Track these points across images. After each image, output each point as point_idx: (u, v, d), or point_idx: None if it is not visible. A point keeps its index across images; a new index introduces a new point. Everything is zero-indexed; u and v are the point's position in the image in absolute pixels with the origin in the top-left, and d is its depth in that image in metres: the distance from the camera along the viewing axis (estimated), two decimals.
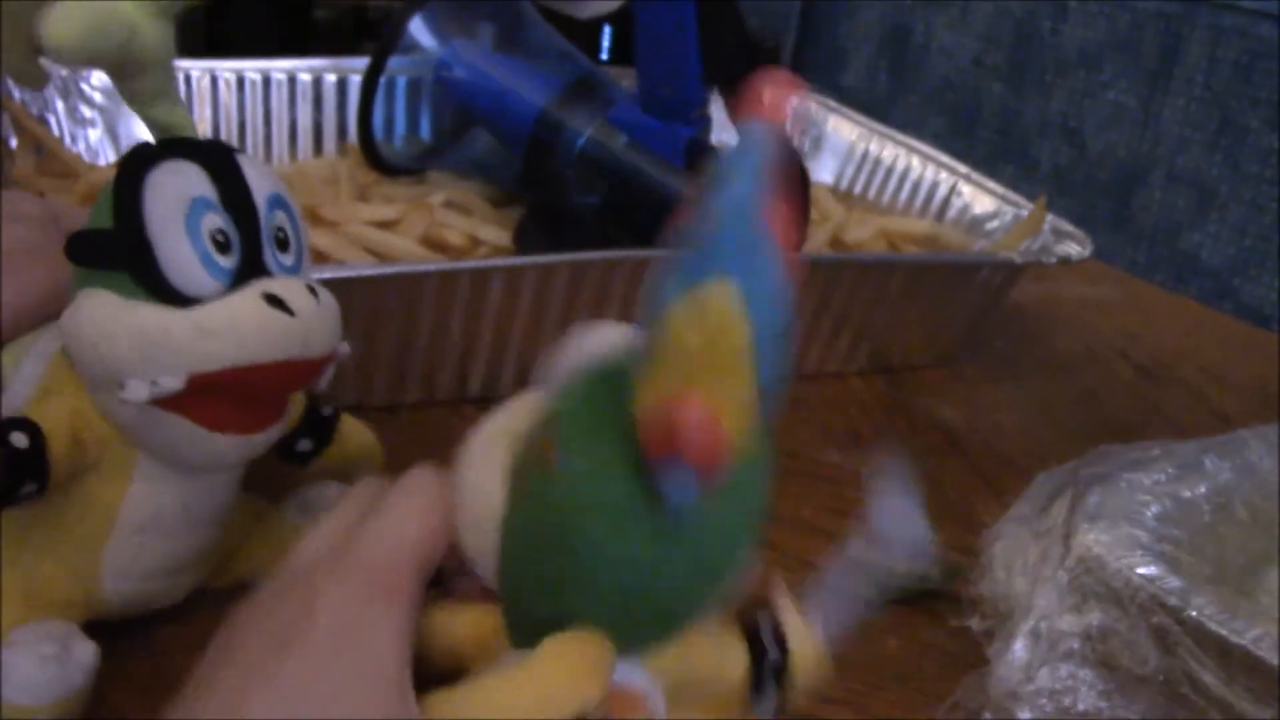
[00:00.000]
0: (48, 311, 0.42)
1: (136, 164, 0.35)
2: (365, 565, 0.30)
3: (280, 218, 0.38)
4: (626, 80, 0.70)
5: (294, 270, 0.38)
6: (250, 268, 0.36)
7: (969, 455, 0.63)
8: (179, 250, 0.35)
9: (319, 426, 0.43)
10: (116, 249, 0.35)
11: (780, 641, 0.33)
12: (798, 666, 0.33)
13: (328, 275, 0.54)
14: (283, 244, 0.38)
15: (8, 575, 0.38)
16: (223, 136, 0.74)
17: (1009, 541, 0.47)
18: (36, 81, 0.46)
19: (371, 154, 0.72)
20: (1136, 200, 1.85)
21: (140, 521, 0.38)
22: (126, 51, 0.35)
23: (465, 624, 0.31)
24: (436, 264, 0.59)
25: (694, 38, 0.66)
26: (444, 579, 0.32)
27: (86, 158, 0.69)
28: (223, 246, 0.36)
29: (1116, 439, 0.53)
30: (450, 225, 0.66)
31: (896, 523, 0.35)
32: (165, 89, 0.37)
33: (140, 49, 0.35)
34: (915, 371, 0.71)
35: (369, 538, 0.31)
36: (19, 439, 0.35)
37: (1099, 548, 0.41)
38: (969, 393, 0.70)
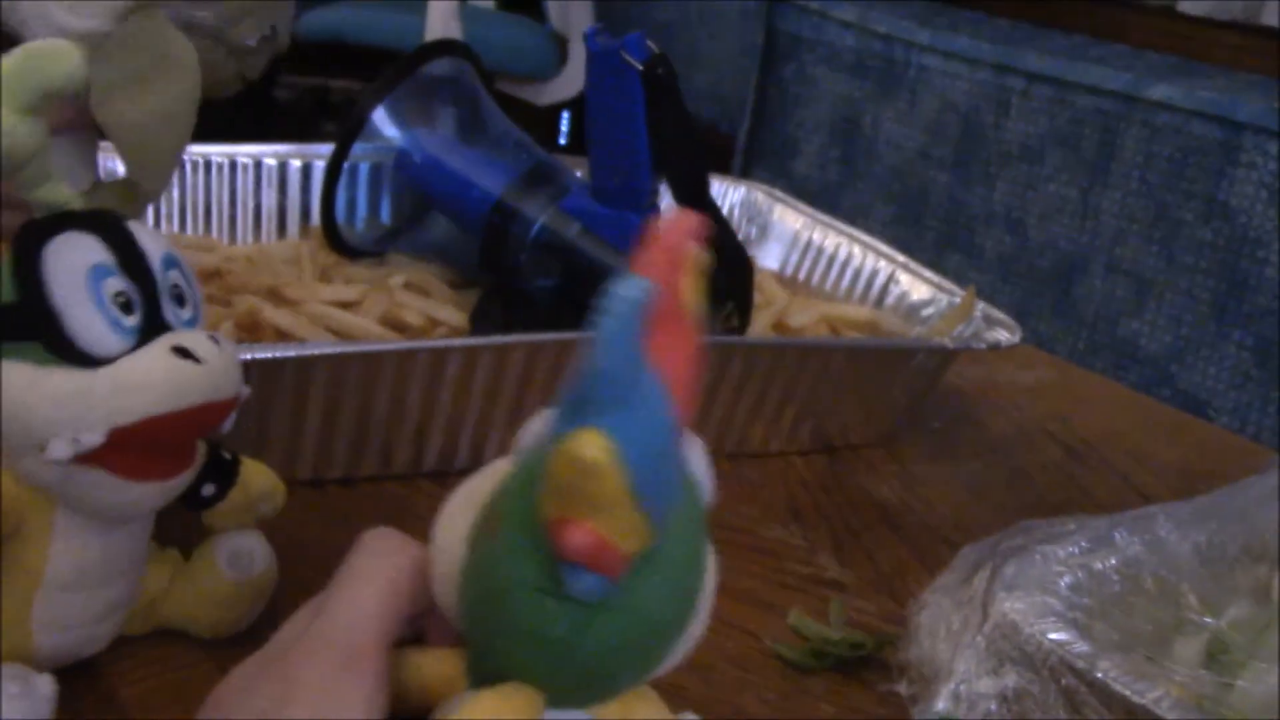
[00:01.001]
0: None
1: (32, 238, 0.38)
2: (331, 640, 0.33)
3: (175, 275, 0.41)
4: (583, 168, 0.73)
5: (192, 323, 0.41)
6: (152, 325, 0.39)
7: (902, 530, 0.66)
8: (86, 316, 0.37)
9: (221, 470, 0.46)
10: (26, 320, 0.37)
11: None
12: None
13: (291, 354, 0.56)
14: (180, 300, 0.41)
15: None
16: (189, 217, 0.77)
17: (934, 610, 0.49)
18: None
19: (333, 236, 0.75)
20: (1077, 288, 1.91)
21: (64, 577, 0.41)
22: (8, 158, 0.37)
23: (433, 665, 0.34)
24: (395, 343, 0.62)
25: (643, 129, 0.70)
26: (419, 622, 0.35)
27: None
28: (126, 307, 0.38)
29: (1042, 516, 0.56)
30: (409, 306, 0.69)
31: None
32: (46, 173, 0.38)
33: (14, 149, 0.37)
34: (855, 450, 0.74)
35: (334, 611, 0.33)
36: None
37: (1014, 614, 0.43)
38: (905, 471, 0.73)
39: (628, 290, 0.26)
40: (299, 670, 0.32)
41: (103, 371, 0.37)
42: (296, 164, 0.79)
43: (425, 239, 0.78)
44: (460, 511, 0.33)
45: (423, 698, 0.33)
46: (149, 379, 0.38)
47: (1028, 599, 0.44)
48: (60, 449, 0.37)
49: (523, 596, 0.30)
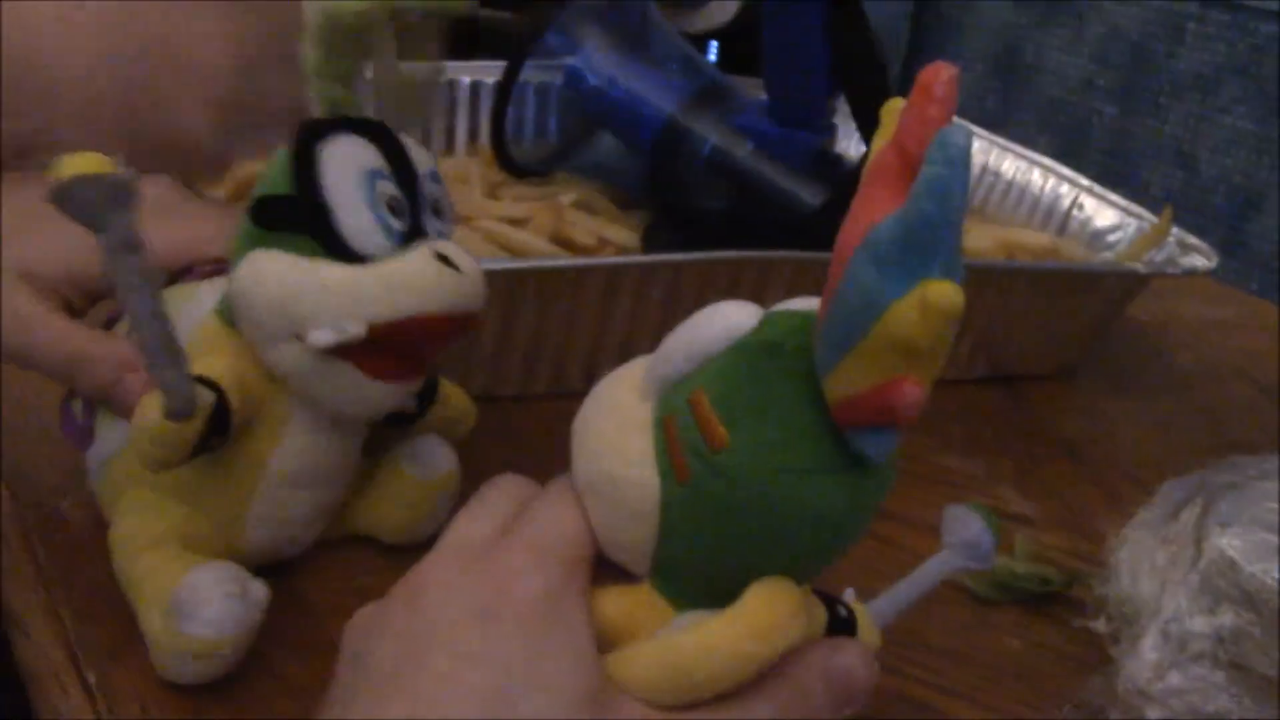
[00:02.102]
0: (173, 269, 0.45)
1: (310, 136, 0.38)
2: (554, 549, 0.32)
3: (437, 189, 0.41)
4: (750, 90, 0.71)
5: (447, 235, 0.42)
6: (415, 231, 0.40)
7: (1088, 465, 0.63)
8: (359, 214, 0.38)
9: (424, 388, 0.46)
10: (302, 212, 0.38)
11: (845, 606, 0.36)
12: (861, 624, 0.36)
13: None
14: (438, 213, 0.41)
15: (163, 526, 0.41)
16: None
17: (1135, 547, 0.47)
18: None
19: (503, 155, 0.74)
20: (1252, 226, 1.81)
21: (287, 475, 0.42)
22: (356, 25, 0.38)
23: (612, 604, 0.33)
24: (570, 260, 0.61)
25: (822, 47, 0.68)
26: None
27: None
28: (395, 212, 0.39)
29: (1237, 454, 0.53)
30: (578, 224, 0.68)
31: (962, 527, 0.37)
32: (351, 74, 0.39)
33: (341, 15, 0.39)
34: (1033, 381, 0.71)
35: (550, 525, 0.33)
36: (206, 394, 0.37)
37: (1232, 551, 0.41)
38: (1087, 404, 0.70)
39: (958, 137, 0.25)
40: (516, 577, 0.31)
41: (373, 268, 0.38)
42: (465, 81, 0.79)
43: (593, 158, 0.77)
44: (627, 442, 0.32)
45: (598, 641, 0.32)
46: (416, 280, 0.38)
47: (1246, 536, 0.42)
48: (324, 335, 0.37)
49: (793, 485, 0.29)
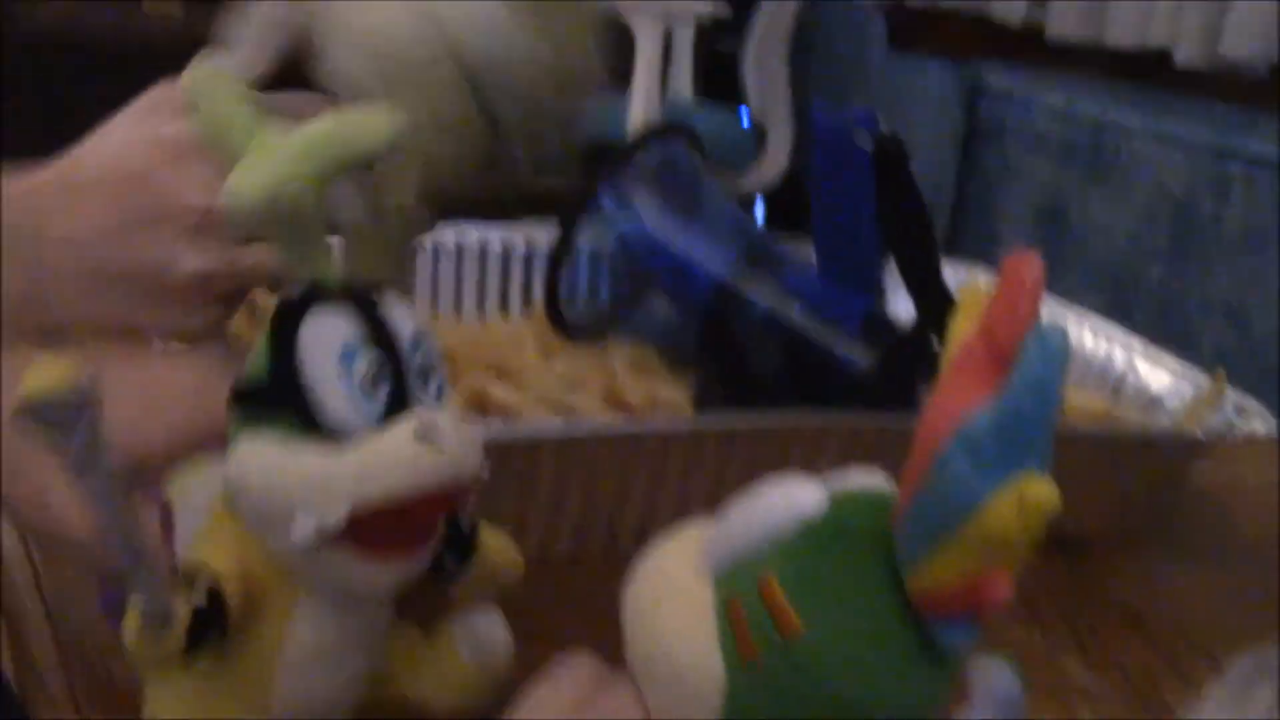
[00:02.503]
0: (204, 448, 0.44)
1: (289, 314, 0.38)
2: None
3: (423, 353, 0.40)
4: (798, 249, 0.72)
5: (437, 401, 0.41)
6: (399, 402, 0.39)
7: (1151, 636, 0.61)
8: (336, 393, 0.38)
9: (461, 542, 0.45)
10: (278, 395, 0.38)
11: None
12: None
13: (521, 433, 0.56)
14: (426, 378, 0.40)
15: (194, 710, 0.40)
16: (416, 298, 0.78)
17: None
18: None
19: (556, 317, 0.75)
20: None
21: (305, 654, 0.40)
22: (294, 215, 0.38)
23: None
24: (622, 423, 0.62)
25: (871, 208, 0.69)
26: None
27: None
28: (374, 385, 0.38)
29: None
30: (631, 385, 0.68)
31: (992, 680, 0.36)
32: (318, 240, 0.39)
33: (302, 209, 0.38)
34: (1093, 548, 0.69)
35: (614, 712, 0.33)
36: (200, 589, 0.37)
37: None
38: (1149, 572, 0.68)
39: (1056, 337, 0.25)
40: None
41: (348, 452, 0.37)
42: (521, 247, 0.80)
43: (645, 320, 0.78)
44: (692, 623, 0.32)
45: None
46: (394, 461, 0.38)
47: None
48: (304, 528, 0.37)
49: (871, 674, 0.29)
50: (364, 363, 0.38)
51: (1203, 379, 0.73)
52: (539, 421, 0.63)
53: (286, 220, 0.38)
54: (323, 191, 0.38)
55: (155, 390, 0.46)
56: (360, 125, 0.38)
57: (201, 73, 0.37)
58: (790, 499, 0.32)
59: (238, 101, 0.37)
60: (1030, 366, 0.25)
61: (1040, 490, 0.25)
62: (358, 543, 0.38)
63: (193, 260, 0.46)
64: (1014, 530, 0.26)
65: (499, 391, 0.65)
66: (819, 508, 0.32)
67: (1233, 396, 0.71)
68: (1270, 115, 2.02)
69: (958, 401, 0.27)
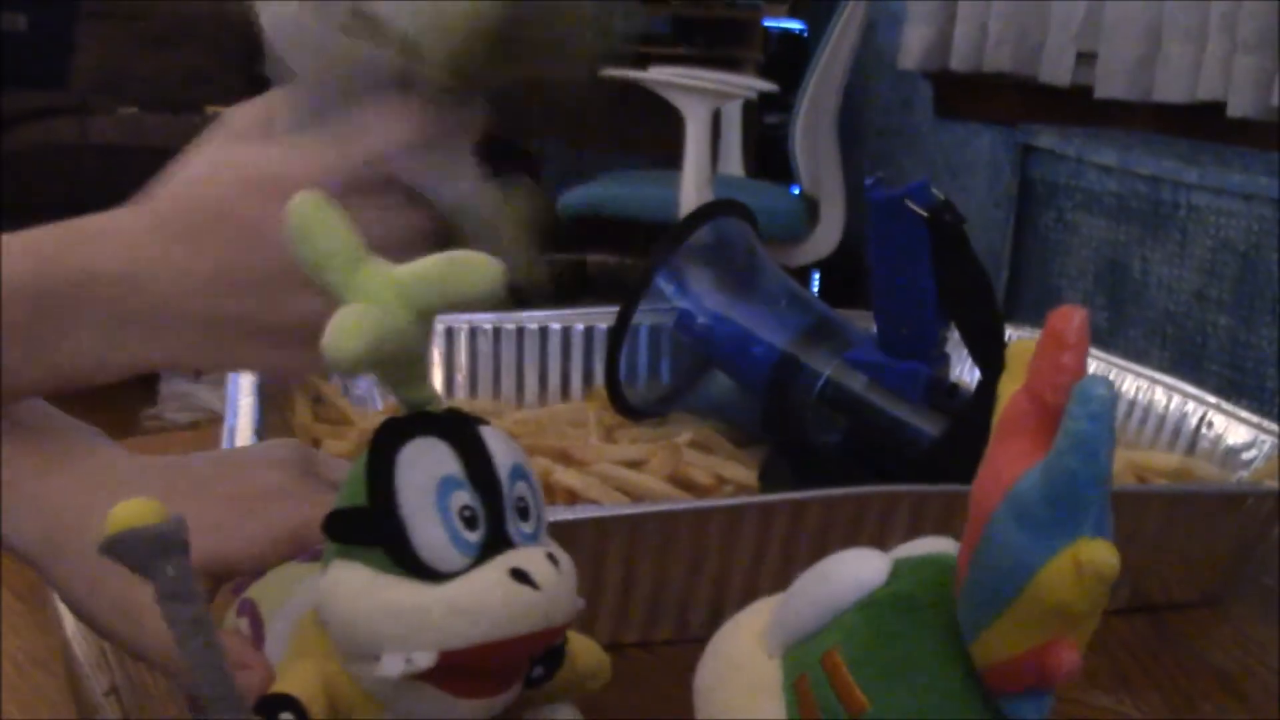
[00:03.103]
0: (290, 553, 0.45)
1: (388, 442, 0.38)
2: None
3: (521, 488, 0.39)
4: (857, 321, 0.72)
5: (534, 538, 0.39)
6: (495, 539, 0.38)
7: (1247, 700, 0.59)
8: (431, 530, 0.37)
9: (550, 651, 0.44)
10: (373, 528, 0.37)
11: None
12: None
13: (588, 515, 0.56)
14: (524, 513, 0.39)
15: None
16: (479, 383, 0.79)
17: None
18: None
19: (618, 398, 0.75)
20: None
21: None
22: (396, 355, 0.37)
23: None
24: (691, 502, 0.61)
25: (929, 277, 0.68)
26: None
27: (357, 405, 0.74)
28: (470, 523, 0.37)
29: None
30: (696, 464, 0.68)
31: None
32: (420, 371, 0.39)
33: (404, 348, 0.37)
34: (1179, 610, 0.67)
35: None
36: (287, 719, 0.37)
37: None
38: (1240, 633, 0.66)
39: (1100, 389, 0.25)
40: None
41: (440, 591, 0.37)
42: (580, 328, 0.81)
43: (706, 397, 0.77)
44: (761, 705, 0.31)
45: None
46: (485, 605, 0.37)
47: None
48: (393, 666, 0.36)
49: None
50: (462, 498, 0.38)
51: None
52: (606, 504, 0.63)
53: (387, 361, 0.38)
54: (425, 329, 0.38)
55: (243, 495, 0.46)
56: (468, 268, 0.38)
57: (304, 202, 0.37)
58: (853, 571, 0.32)
59: (340, 234, 0.37)
60: (1076, 423, 0.25)
61: (1097, 553, 0.25)
62: (445, 683, 0.37)
63: (303, 305, 0.45)
64: (1072, 596, 0.25)
65: (562, 475, 0.65)
66: (881, 579, 0.31)
67: None
68: None
69: (1007, 464, 0.27)
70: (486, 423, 0.40)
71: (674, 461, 0.68)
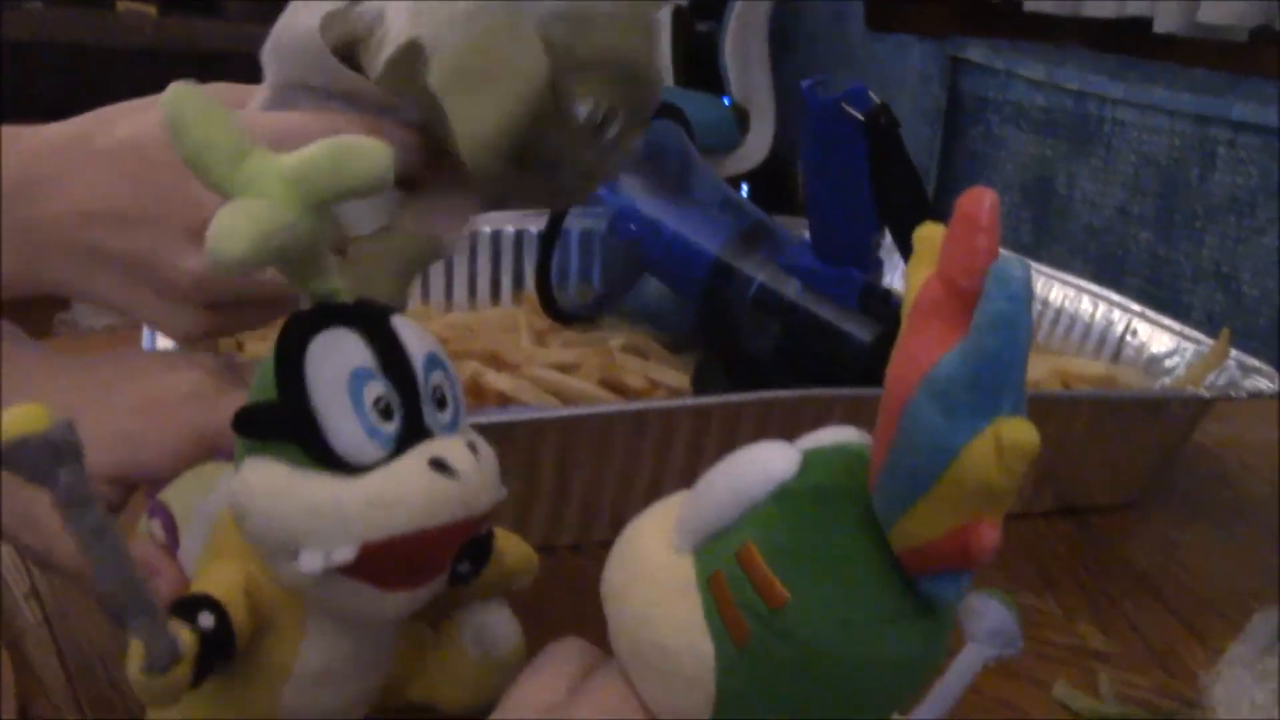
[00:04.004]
0: (204, 457, 0.43)
1: (296, 335, 0.36)
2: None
3: (437, 377, 0.38)
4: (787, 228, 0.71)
5: (453, 427, 0.38)
6: (412, 430, 0.36)
7: (1166, 598, 0.61)
8: (344, 422, 0.35)
9: (476, 547, 0.43)
10: (284, 423, 0.35)
11: None
12: None
13: (523, 417, 0.55)
14: (441, 402, 0.38)
15: None
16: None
17: (1231, 684, 0.45)
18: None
19: (548, 302, 0.75)
20: None
21: (314, 674, 0.39)
22: (287, 251, 0.35)
23: None
24: (627, 405, 0.61)
25: (865, 182, 0.68)
26: None
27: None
28: (385, 414, 0.36)
29: None
30: (628, 368, 0.67)
31: (985, 616, 0.35)
32: (321, 263, 0.37)
33: (299, 242, 0.35)
34: (1101, 513, 0.69)
35: (607, 697, 0.33)
36: (206, 619, 0.36)
37: None
38: (1159, 535, 0.68)
39: (1017, 269, 0.24)
40: None
41: (358, 483, 0.35)
42: (510, 231, 0.79)
43: (639, 302, 0.77)
44: (674, 607, 0.31)
45: None
46: (404, 495, 0.35)
47: None
48: (312, 562, 0.35)
49: (864, 636, 0.28)
50: (376, 389, 0.36)
51: (1205, 340, 0.73)
52: (540, 406, 0.62)
53: (279, 259, 0.36)
54: (322, 219, 0.36)
55: (153, 399, 0.45)
56: (354, 153, 0.36)
57: (180, 93, 0.34)
58: (762, 463, 0.31)
59: (220, 125, 0.35)
60: (994, 304, 0.24)
61: (1018, 431, 0.24)
62: (368, 576, 0.36)
63: (194, 261, 0.44)
64: (994, 475, 0.25)
65: (494, 379, 0.64)
66: (791, 470, 0.31)
67: (1236, 355, 0.70)
68: (1251, 79, 2.02)
69: (922, 349, 0.26)
70: (398, 312, 0.38)
71: (605, 365, 0.67)
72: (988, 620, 0.33)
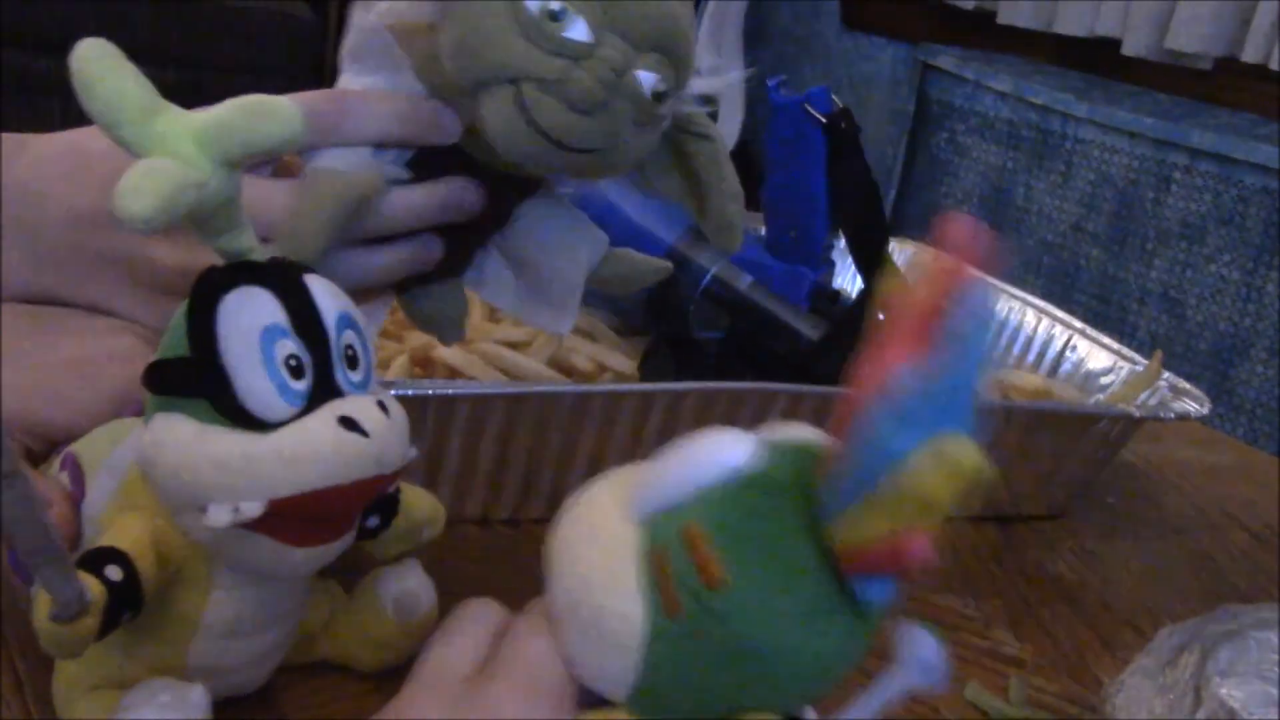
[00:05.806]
0: (122, 414, 0.44)
1: (208, 291, 0.36)
2: (541, 685, 0.33)
3: (349, 336, 0.38)
4: (751, 221, 0.72)
5: (363, 387, 0.39)
6: (322, 389, 0.37)
7: (1082, 609, 0.63)
8: (255, 379, 0.36)
9: (384, 502, 0.44)
10: (194, 379, 0.36)
11: None
12: None
13: (468, 391, 0.56)
14: (352, 361, 0.38)
15: (100, 674, 0.39)
16: None
17: (1132, 693, 0.46)
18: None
19: None
20: (1238, 373, 1.83)
21: (222, 626, 0.40)
22: (197, 210, 0.35)
23: None
24: (571, 386, 0.62)
25: (823, 183, 0.69)
26: None
27: None
28: (296, 371, 0.36)
29: (1233, 602, 0.53)
30: (578, 350, 0.68)
31: (917, 646, 0.36)
32: (234, 221, 0.37)
33: (209, 200, 0.35)
34: (1027, 522, 0.71)
35: (535, 660, 0.33)
36: (113, 571, 0.36)
37: (1232, 701, 0.41)
38: (1081, 547, 0.69)
39: (983, 296, 0.26)
40: (509, 706, 0.31)
41: (266, 439, 0.36)
42: None
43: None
44: (616, 571, 0.32)
45: None
46: (313, 452, 0.36)
47: (1245, 686, 0.41)
48: (220, 516, 0.35)
49: (791, 627, 0.29)
50: (287, 346, 0.36)
51: (1142, 360, 0.75)
52: (487, 381, 0.63)
53: (189, 218, 0.36)
54: (233, 177, 0.36)
55: (85, 358, 0.45)
56: (264, 112, 0.36)
57: (89, 49, 0.34)
58: (719, 449, 0.33)
59: (129, 83, 0.34)
60: (958, 326, 0.26)
61: (962, 449, 0.26)
62: (274, 531, 0.37)
63: (163, 250, 0.45)
64: (934, 489, 0.26)
65: (444, 352, 0.65)
66: (747, 459, 0.32)
67: (1168, 378, 0.72)
68: (1213, 107, 2.05)
69: (888, 359, 0.27)
70: (312, 270, 0.39)
71: (555, 346, 0.68)
72: (919, 650, 0.35)
